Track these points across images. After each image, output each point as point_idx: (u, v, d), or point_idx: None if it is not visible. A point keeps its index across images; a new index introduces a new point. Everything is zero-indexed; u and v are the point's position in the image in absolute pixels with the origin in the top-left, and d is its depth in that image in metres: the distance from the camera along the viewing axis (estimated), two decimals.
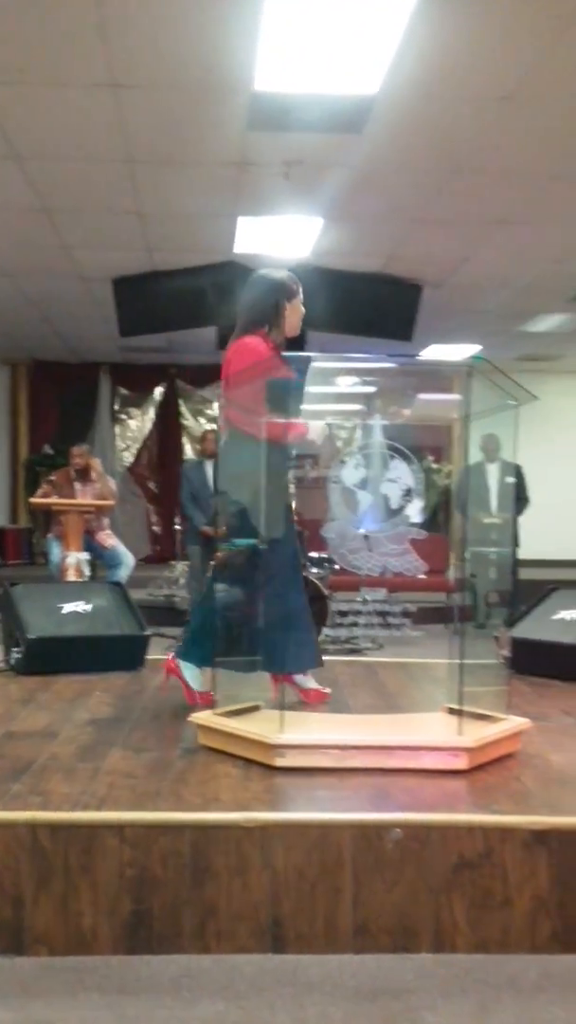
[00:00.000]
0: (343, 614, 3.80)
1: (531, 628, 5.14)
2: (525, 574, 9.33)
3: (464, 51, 4.80)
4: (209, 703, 3.81)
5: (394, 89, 5.17)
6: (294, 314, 4.04)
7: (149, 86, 5.28)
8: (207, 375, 14.12)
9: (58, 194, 7.01)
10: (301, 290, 4.08)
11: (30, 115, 5.63)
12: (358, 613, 3.61)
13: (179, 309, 9.30)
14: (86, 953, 2.60)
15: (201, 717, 3.51)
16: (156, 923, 2.63)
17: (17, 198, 7.01)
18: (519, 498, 9.46)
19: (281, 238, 8.05)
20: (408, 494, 3.39)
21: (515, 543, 9.37)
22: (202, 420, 14.71)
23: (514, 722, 3.47)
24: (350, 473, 3.40)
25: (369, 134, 5.80)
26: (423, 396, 3.57)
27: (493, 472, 9.57)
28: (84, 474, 8.37)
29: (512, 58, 4.87)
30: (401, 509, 3.41)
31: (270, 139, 5.96)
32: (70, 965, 2.56)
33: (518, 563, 9.52)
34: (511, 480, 9.10)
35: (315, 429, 3.74)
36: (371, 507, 3.40)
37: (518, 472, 9.50)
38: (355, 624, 3.66)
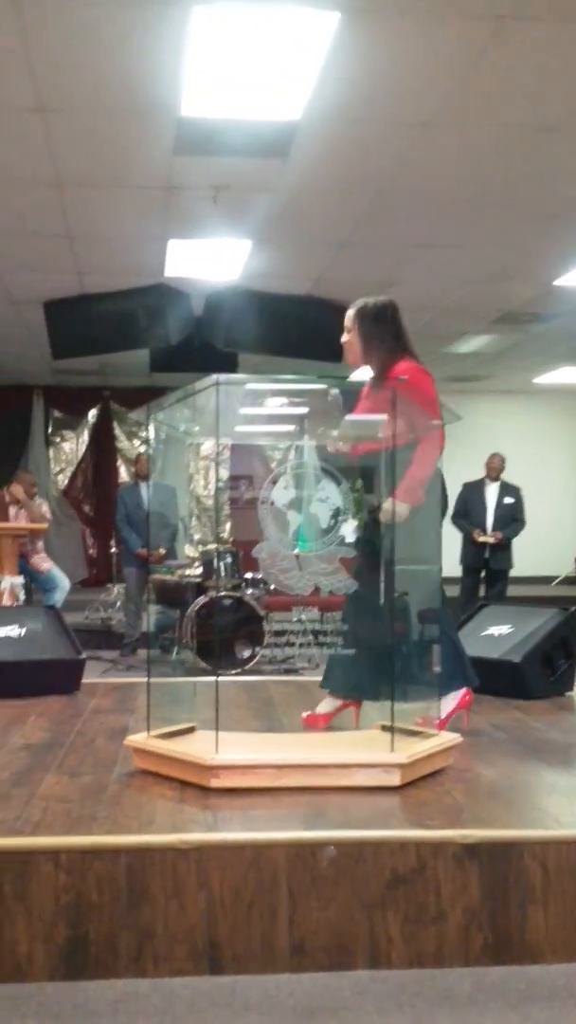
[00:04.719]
0: (278, 634, 3.81)
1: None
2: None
3: (383, 77, 4.88)
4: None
5: (317, 115, 5.24)
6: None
7: (76, 110, 5.29)
8: (141, 397, 14.08)
9: None
10: (347, 320, 4.13)
11: None
12: (293, 633, 3.62)
13: (111, 332, 9.29)
14: (22, 980, 2.59)
15: (136, 740, 3.51)
16: (92, 948, 2.62)
17: None
18: (515, 519, 9.66)
19: (211, 261, 8.09)
20: (337, 514, 3.44)
21: (509, 563, 9.65)
22: (136, 442, 14.68)
23: (445, 738, 3.52)
24: (280, 493, 3.43)
25: (294, 159, 5.87)
26: (350, 417, 3.62)
27: (493, 491, 9.76)
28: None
29: (430, 84, 4.96)
30: (331, 529, 3.45)
31: (197, 163, 6.00)
32: (6, 993, 2.54)
33: (507, 581, 9.76)
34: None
35: None
36: (301, 527, 3.44)
37: (517, 494, 9.72)
38: (290, 644, 3.67)
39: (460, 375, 12.99)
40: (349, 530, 3.46)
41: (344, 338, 4.12)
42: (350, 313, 4.09)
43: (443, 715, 3.94)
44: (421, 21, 4.39)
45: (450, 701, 4.07)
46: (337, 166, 6.04)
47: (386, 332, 4.06)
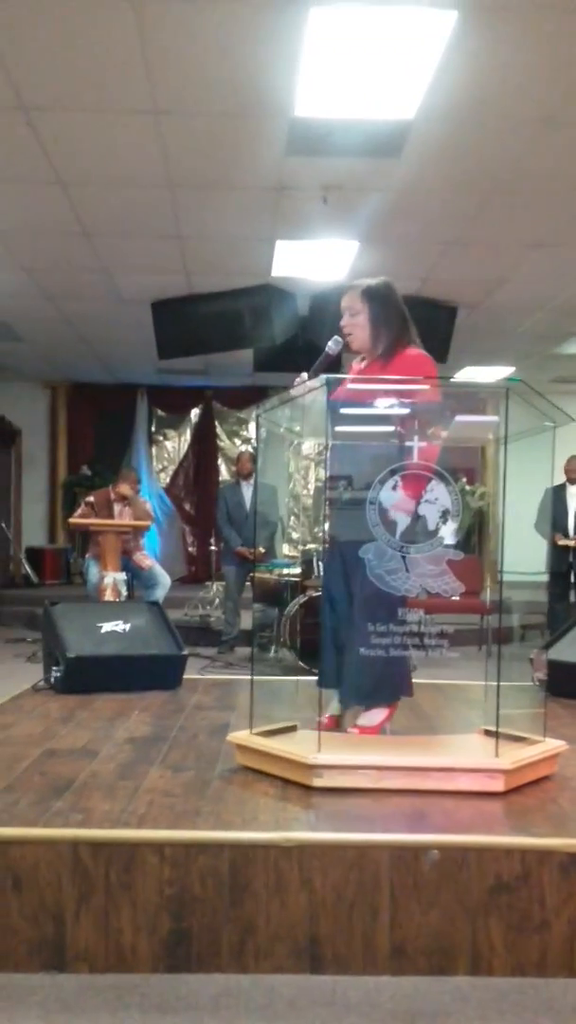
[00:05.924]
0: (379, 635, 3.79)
1: (566, 650, 5.13)
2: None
3: (500, 74, 4.83)
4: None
5: (431, 113, 5.22)
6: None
7: (191, 112, 5.35)
8: (243, 397, 14.21)
9: (100, 218, 7.11)
10: (350, 302, 3.95)
11: (75, 141, 5.72)
12: (394, 634, 3.60)
13: (216, 332, 9.36)
14: (126, 971, 2.63)
15: (239, 737, 3.53)
16: (195, 941, 2.65)
17: (60, 222, 7.12)
18: None
19: (318, 261, 8.10)
20: (445, 515, 3.41)
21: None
22: (237, 441, 14.79)
23: (551, 744, 3.47)
24: (388, 494, 3.41)
25: (406, 158, 5.85)
26: (461, 418, 3.58)
27: (574, 493, 9.68)
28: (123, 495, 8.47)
29: (550, 80, 4.89)
30: (438, 530, 3.42)
31: (309, 164, 6.01)
32: (110, 983, 2.59)
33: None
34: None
35: None
36: (408, 528, 3.42)
37: None
38: (392, 645, 3.64)
39: (567, 376, 12.79)
40: (449, 532, 3.42)
41: (346, 322, 3.93)
42: (354, 295, 3.89)
43: (373, 724, 3.78)
44: (539, 18, 4.34)
45: (379, 713, 3.82)
46: (449, 165, 6.00)
47: (394, 315, 3.88)
